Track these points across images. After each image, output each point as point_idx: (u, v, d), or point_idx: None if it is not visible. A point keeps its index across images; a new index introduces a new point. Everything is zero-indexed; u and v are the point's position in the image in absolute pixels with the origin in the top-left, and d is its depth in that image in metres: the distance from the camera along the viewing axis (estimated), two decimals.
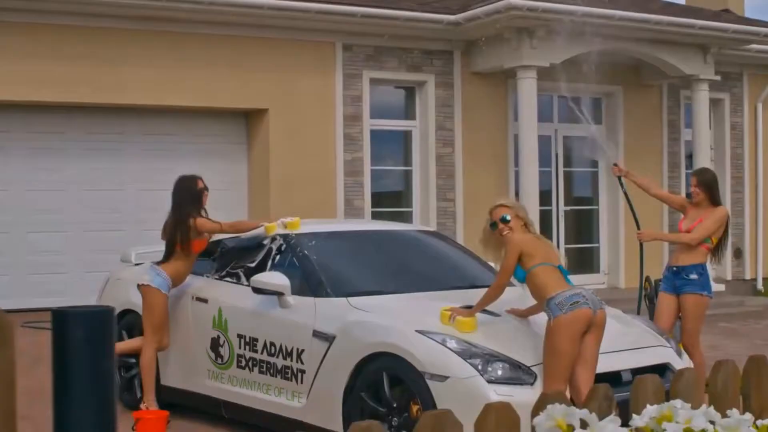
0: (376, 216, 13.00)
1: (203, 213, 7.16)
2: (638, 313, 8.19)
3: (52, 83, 11.48)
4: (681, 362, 6.24)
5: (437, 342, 5.54)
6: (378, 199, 13.40)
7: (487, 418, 2.35)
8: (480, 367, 5.39)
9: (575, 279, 14.35)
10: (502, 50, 13.16)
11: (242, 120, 13.07)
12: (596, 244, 15.03)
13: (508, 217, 5.76)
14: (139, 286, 7.13)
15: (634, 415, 1.84)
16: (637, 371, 5.85)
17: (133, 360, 7.42)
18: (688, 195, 8.17)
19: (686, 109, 15.25)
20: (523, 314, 5.94)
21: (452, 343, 5.53)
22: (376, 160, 13.31)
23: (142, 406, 7.05)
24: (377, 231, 7.60)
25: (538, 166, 13.12)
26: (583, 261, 14.96)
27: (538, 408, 2.64)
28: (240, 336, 6.69)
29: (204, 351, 6.99)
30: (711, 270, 14.77)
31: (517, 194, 13.49)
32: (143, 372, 7.08)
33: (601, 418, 1.80)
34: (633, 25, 13.21)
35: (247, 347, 6.62)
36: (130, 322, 7.59)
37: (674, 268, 7.84)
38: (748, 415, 2.00)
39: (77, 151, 12.25)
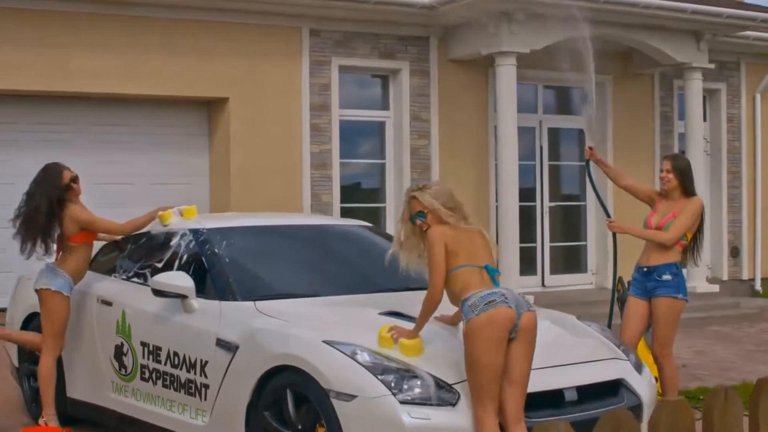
0: (346, 211, 12.23)
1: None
2: (609, 325, 7.34)
3: None
4: (639, 378, 5.39)
5: (346, 354, 4.74)
6: (349, 193, 12.62)
7: None
8: (393, 385, 4.60)
9: (561, 279, 13.80)
10: (480, 36, 12.37)
11: (203, 110, 12.30)
12: (584, 243, 14.21)
13: (424, 213, 4.95)
14: (37, 290, 6.37)
15: None
16: (584, 389, 5.06)
17: None
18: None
19: (680, 99, 14.42)
20: (453, 321, 5.11)
21: (363, 356, 4.73)
22: (346, 153, 12.54)
23: (41, 421, 6.28)
24: (302, 226, 6.77)
25: (517, 159, 12.33)
26: (570, 260, 14.16)
27: None
28: (144, 344, 5.92)
29: (108, 360, 6.22)
30: (707, 270, 14.17)
31: (496, 189, 12.71)
32: (41, 382, 6.30)
33: None
34: (621, 9, 12.41)
35: (151, 357, 5.85)
36: (39, 327, 6.82)
37: (644, 269, 7.04)
38: None
39: (26, 142, 11.52)
